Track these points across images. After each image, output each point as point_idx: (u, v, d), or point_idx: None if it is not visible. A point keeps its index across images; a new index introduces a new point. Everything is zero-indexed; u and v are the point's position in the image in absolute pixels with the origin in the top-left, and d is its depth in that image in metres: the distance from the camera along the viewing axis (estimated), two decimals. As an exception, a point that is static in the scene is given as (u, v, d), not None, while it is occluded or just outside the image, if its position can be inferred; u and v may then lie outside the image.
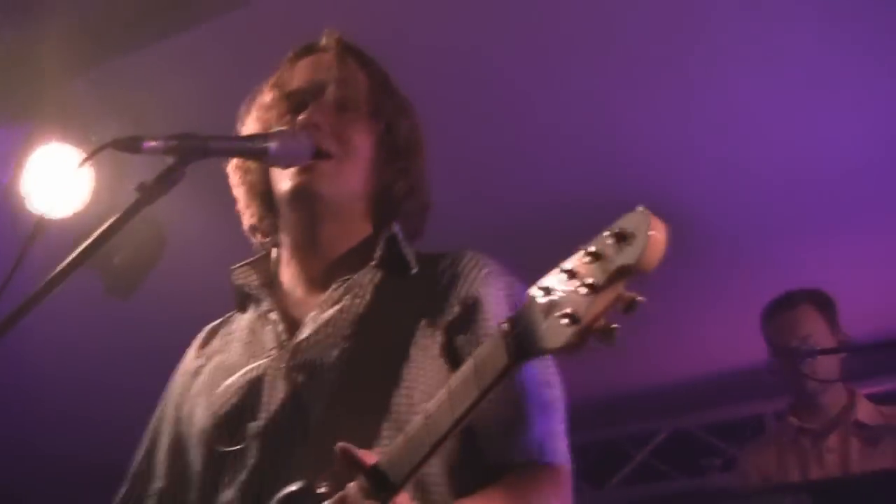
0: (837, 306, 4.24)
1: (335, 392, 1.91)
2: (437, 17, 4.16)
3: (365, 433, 1.86)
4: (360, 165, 2.16)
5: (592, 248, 1.34)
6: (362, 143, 2.17)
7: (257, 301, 2.20)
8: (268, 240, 2.27)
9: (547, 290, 1.39)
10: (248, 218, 2.27)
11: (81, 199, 4.42)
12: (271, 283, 2.23)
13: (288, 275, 2.20)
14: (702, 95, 4.56)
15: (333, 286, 2.09)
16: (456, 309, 2.02)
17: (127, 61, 4.54)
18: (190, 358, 2.28)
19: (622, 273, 1.30)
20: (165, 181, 1.81)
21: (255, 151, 1.97)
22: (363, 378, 1.92)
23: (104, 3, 4.37)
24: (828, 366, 4.10)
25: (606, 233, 1.32)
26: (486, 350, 1.50)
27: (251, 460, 1.94)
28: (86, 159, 1.80)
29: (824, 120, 4.63)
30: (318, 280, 2.15)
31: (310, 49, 2.31)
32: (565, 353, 1.36)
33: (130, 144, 1.79)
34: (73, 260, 1.77)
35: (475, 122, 4.57)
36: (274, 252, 2.27)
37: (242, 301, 2.24)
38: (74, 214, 4.42)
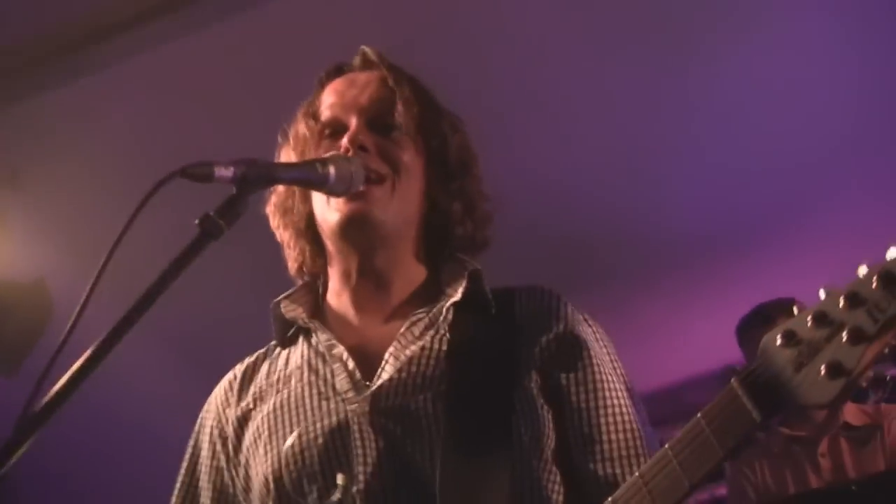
0: None
1: (446, 451, 1.74)
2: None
3: (492, 495, 1.71)
4: (413, 187, 1.98)
5: (850, 293, 1.25)
6: (413, 163, 1.98)
7: (307, 334, 1.99)
8: (316, 278, 2.07)
9: (791, 337, 1.30)
10: (294, 258, 2.06)
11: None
12: (318, 315, 2.02)
13: (340, 305, 2.00)
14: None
15: (411, 318, 1.89)
16: (553, 347, 1.87)
17: (3, 115, 4.32)
18: (221, 402, 2.03)
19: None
20: (230, 213, 1.62)
21: (316, 179, 1.80)
22: (473, 433, 1.76)
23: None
24: None
25: (873, 277, 1.23)
26: (721, 407, 1.38)
27: None
28: (152, 192, 1.57)
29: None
30: (376, 311, 1.96)
31: (341, 69, 2.11)
32: (828, 408, 1.27)
33: (202, 172, 1.58)
34: (133, 310, 1.55)
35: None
36: (319, 283, 2.07)
37: (285, 334, 2.02)
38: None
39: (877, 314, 1.22)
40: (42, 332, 4.51)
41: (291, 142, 2.05)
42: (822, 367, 1.25)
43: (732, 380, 1.36)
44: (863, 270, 1.24)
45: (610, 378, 1.89)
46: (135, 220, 1.53)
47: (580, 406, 1.84)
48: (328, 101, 2.03)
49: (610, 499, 1.55)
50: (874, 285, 1.22)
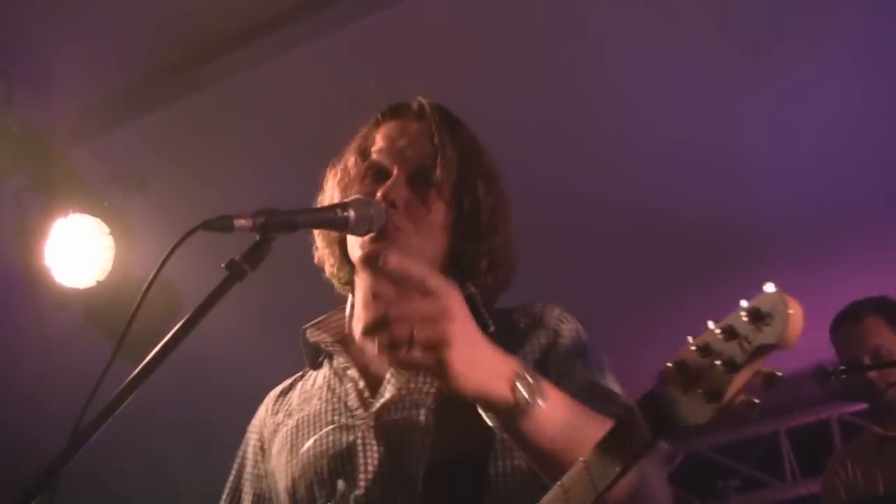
0: None
1: (432, 459, 1.90)
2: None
3: (470, 497, 1.87)
4: (433, 241, 2.11)
5: (726, 326, 1.37)
6: (438, 218, 2.11)
7: (331, 357, 2.19)
8: (347, 287, 2.26)
9: (681, 366, 1.41)
10: (328, 267, 2.26)
11: (103, 269, 4.48)
12: (343, 339, 2.21)
13: (358, 331, 2.11)
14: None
15: None
16: (542, 358, 2.00)
17: (130, 128, 4.62)
18: (262, 417, 2.27)
19: (762, 351, 1.33)
20: (254, 257, 1.83)
21: (336, 222, 1.96)
22: (457, 444, 1.90)
23: (105, 75, 4.45)
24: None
25: (741, 313, 1.35)
26: (625, 424, 1.51)
27: None
28: (178, 243, 1.80)
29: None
30: None
31: (397, 111, 2.24)
32: (706, 427, 1.41)
33: (222, 224, 1.81)
34: (166, 345, 1.77)
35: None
36: (347, 306, 2.28)
37: (315, 358, 2.24)
38: (97, 284, 4.49)
39: (745, 345, 1.34)
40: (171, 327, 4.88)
41: (339, 173, 2.22)
42: (702, 392, 1.37)
43: (634, 402, 1.50)
44: (743, 303, 1.35)
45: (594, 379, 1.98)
46: (161, 270, 1.75)
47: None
48: (378, 143, 2.18)
49: None
50: (745, 319, 1.34)
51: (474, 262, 2.14)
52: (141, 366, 1.76)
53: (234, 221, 1.80)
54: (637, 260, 5.48)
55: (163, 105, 4.51)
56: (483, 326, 2.04)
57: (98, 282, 4.50)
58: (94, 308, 4.61)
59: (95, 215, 4.53)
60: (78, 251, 4.49)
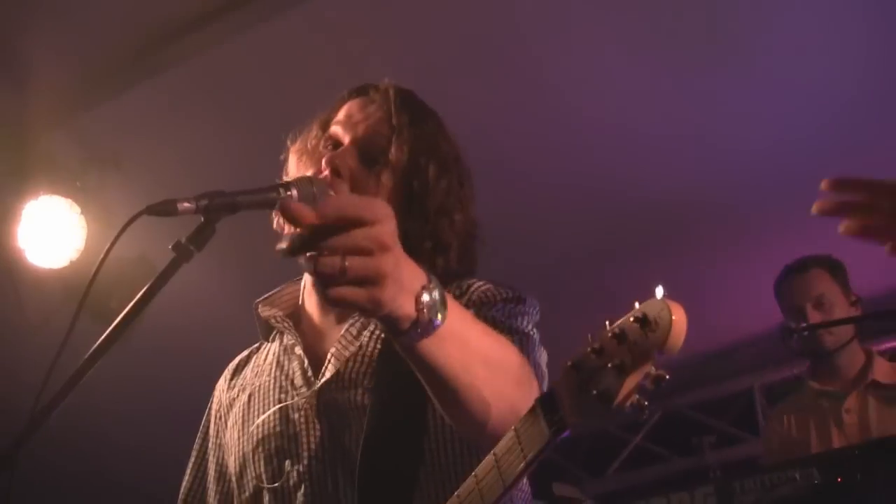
0: (847, 271, 4.34)
1: (369, 437, 1.95)
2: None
3: (404, 479, 1.93)
4: None
5: (618, 330, 1.42)
6: (383, 195, 2.11)
7: (281, 332, 2.24)
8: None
9: (578, 367, 1.47)
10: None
11: (77, 248, 4.54)
12: (296, 312, 2.26)
13: (310, 304, 2.24)
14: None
15: (349, 321, 2.11)
16: None
17: (103, 109, 4.65)
18: (221, 390, 2.33)
19: (649, 356, 1.39)
20: (199, 238, 1.88)
21: (279, 201, 1.97)
22: (392, 422, 1.96)
23: (75, 57, 4.48)
24: (843, 329, 4.19)
25: (631, 317, 1.40)
26: (527, 423, 1.57)
27: (296, 501, 2.01)
28: (123, 230, 1.87)
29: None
30: (336, 311, 2.16)
31: (363, 90, 2.27)
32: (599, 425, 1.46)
33: (165, 209, 1.86)
34: (118, 325, 1.84)
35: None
36: (303, 278, 2.32)
37: (267, 332, 2.29)
38: (71, 263, 4.55)
39: (634, 349, 1.40)
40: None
41: (298, 143, 2.28)
42: (595, 393, 1.43)
43: (535, 400, 1.56)
44: (636, 306, 1.41)
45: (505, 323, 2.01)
46: (109, 254, 1.82)
47: None
48: (339, 118, 2.23)
49: (456, 493, 1.73)
50: (634, 324, 1.40)
51: (416, 243, 2.12)
52: (96, 344, 1.83)
53: (178, 205, 1.85)
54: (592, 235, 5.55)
55: (133, 86, 4.53)
56: None
57: (72, 261, 4.57)
58: (71, 287, 4.68)
59: (67, 196, 4.59)
60: (50, 232, 4.56)
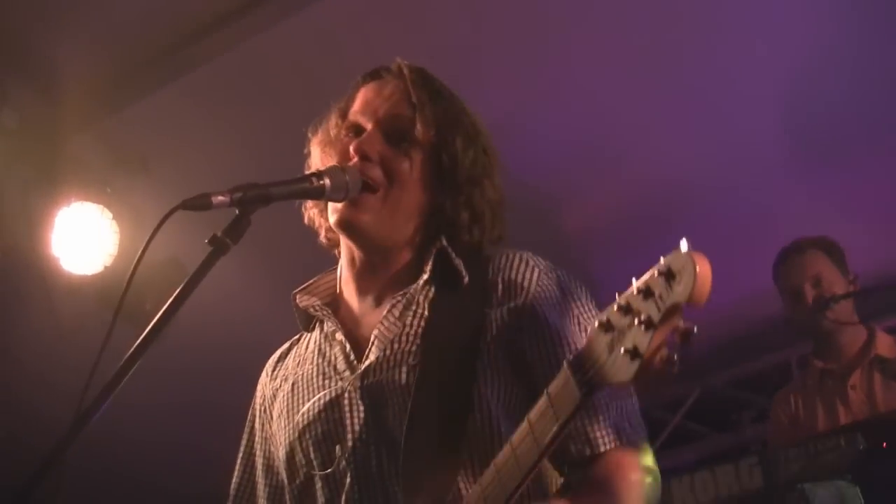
0: (843, 251, 4.37)
1: (413, 415, 1.96)
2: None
3: (446, 456, 1.94)
4: (408, 197, 2.16)
5: (643, 286, 1.43)
6: (413, 173, 2.16)
7: (321, 321, 2.25)
8: (337, 248, 2.31)
9: (607, 325, 1.48)
10: (320, 229, 2.31)
11: (110, 254, 4.57)
12: (334, 300, 2.27)
13: (347, 291, 2.25)
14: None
15: (391, 302, 2.11)
16: (514, 318, 2.04)
17: (129, 113, 4.67)
18: (263, 383, 2.35)
19: (676, 309, 1.40)
20: (235, 231, 1.87)
21: (313, 191, 2.03)
22: (436, 400, 1.97)
23: (101, 60, 4.49)
24: (843, 308, 4.20)
25: (655, 272, 1.41)
26: (558, 385, 1.59)
27: (346, 485, 2.03)
28: (159, 225, 1.88)
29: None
30: (375, 295, 2.19)
31: (376, 74, 2.29)
32: (630, 385, 1.47)
33: (200, 203, 1.84)
34: (157, 322, 1.84)
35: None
36: (338, 267, 2.30)
37: (307, 322, 2.29)
38: (105, 268, 4.57)
39: (660, 304, 1.40)
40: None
41: (320, 135, 2.29)
42: (623, 350, 1.44)
43: (564, 362, 1.58)
44: (661, 260, 1.41)
45: (565, 337, 2.04)
46: (145, 253, 1.82)
47: (543, 367, 2.00)
48: (358, 103, 2.25)
49: (492, 462, 1.77)
50: (658, 278, 1.41)
51: (454, 215, 2.18)
52: (135, 345, 1.84)
53: (213, 199, 1.87)
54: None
55: (159, 86, 4.56)
56: (457, 278, 2.13)
57: (106, 267, 4.59)
58: (106, 292, 4.70)
59: (98, 202, 4.60)
60: (83, 239, 4.57)
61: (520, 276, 2.11)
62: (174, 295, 1.88)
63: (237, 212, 1.93)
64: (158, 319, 1.85)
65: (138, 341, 1.85)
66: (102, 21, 4.31)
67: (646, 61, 4.68)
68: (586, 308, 2.11)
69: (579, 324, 2.07)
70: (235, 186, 1.92)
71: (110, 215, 4.63)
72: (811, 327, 4.31)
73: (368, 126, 2.20)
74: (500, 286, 2.10)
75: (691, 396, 6.87)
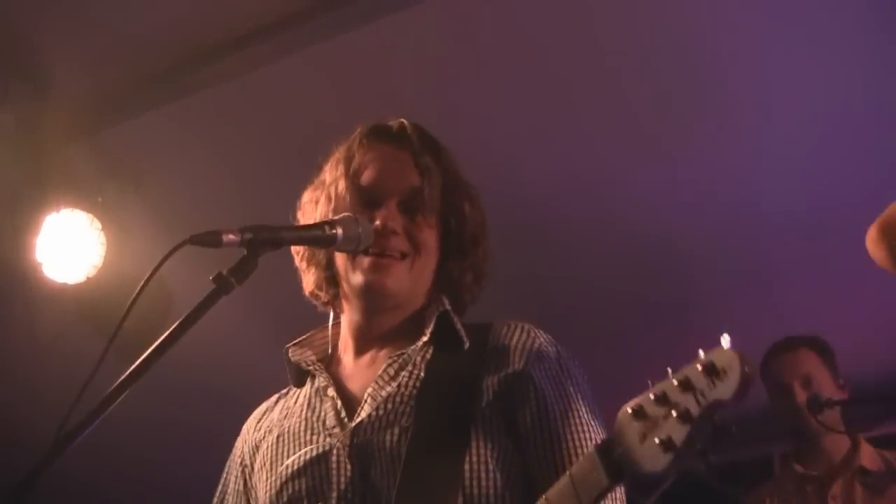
0: (835, 354, 4.26)
1: (403, 479, 1.92)
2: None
3: None
4: (429, 263, 2.21)
5: (683, 378, 1.41)
6: (431, 242, 2.21)
7: (313, 376, 2.23)
8: (328, 305, 2.31)
9: (639, 413, 1.45)
10: (309, 284, 2.31)
11: (94, 265, 4.48)
12: (327, 356, 2.27)
13: (343, 347, 2.26)
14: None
15: (388, 360, 2.10)
16: (508, 384, 2.03)
17: (127, 127, 4.61)
18: (244, 437, 2.31)
19: (717, 406, 1.38)
20: (241, 272, 1.83)
21: (324, 239, 2.02)
22: (427, 465, 1.94)
23: (103, 73, 4.44)
24: (831, 414, 4.05)
25: (698, 365, 1.39)
26: (584, 468, 1.56)
27: None
28: (165, 258, 1.82)
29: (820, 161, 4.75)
30: (371, 353, 2.20)
31: (384, 133, 2.30)
32: (662, 477, 1.43)
33: (210, 239, 1.80)
34: (150, 355, 1.78)
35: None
36: (330, 324, 2.31)
37: (299, 378, 2.27)
38: (87, 279, 4.48)
39: (700, 399, 1.39)
40: (163, 324, 4.86)
41: (328, 190, 2.26)
42: (657, 441, 1.41)
43: (595, 446, 1.55)
44: (701, 354, 1.39)
45: (563, 413, 2.02)
46: (150, 282, 1.76)
47: (535, 441, 2.00)
48: (370, 172, 2.23)
49: None
50: (701, 373, 1.38)
51: (460, 277, 2.24)
52: (125, 375, 1.78)
53: (223, 237, 1.84)
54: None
55: (157, 107, 4.51)
56: (457, 342, 2.10)
57: (88, 278, 4.50)
58: (85, 304, 4.61)
59: (88, 211, 4.53)
60: (69, 246, 4.48)
61: (520, 345, 2.10)
62: (170, 330, 1.82)
63: (245, 252, 1.87)
64: (151, 353, 1.80)
65: (127, 373, 1.81)
66: (107, 36, 4.26)
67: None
68: (582, 387, 2.10)
69: (575, 401, 2.06)
70: (246, 227, 1.88)
71: (99, 226, 4.55)
72: (796, 427, 4.16)
73: (384, 199, 2.20)
74: (498, 353, 2.09)
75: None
